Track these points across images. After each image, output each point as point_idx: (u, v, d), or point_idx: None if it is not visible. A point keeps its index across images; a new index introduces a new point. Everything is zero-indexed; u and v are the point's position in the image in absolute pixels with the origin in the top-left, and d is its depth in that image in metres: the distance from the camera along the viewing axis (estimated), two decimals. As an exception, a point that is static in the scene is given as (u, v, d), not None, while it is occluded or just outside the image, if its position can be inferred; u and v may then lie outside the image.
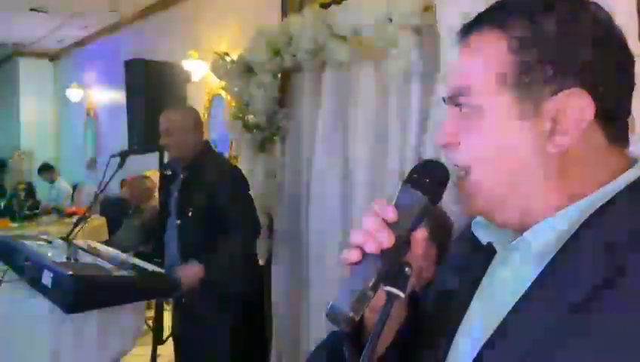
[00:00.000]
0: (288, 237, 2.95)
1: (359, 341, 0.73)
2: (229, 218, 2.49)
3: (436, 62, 2.10)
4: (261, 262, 3.09)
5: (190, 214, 2.57)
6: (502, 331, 0.63)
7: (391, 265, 0.63)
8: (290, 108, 2.88)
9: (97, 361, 1.95)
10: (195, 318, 2.61)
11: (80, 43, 8.63)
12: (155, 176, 4.62)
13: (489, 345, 0.64)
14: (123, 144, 3.86)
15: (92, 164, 8.22)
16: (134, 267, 1.94)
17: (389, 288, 0.63)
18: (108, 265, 1.90)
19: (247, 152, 3.06)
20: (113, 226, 5.02)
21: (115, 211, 5.21)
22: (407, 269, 0.64)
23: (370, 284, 0.62)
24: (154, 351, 3.61)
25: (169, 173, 2.82)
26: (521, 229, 0.67)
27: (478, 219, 0.73)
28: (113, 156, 2.78)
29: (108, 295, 1.67)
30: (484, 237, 0.73)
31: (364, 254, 0.64)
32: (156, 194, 4.67)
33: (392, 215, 0.66)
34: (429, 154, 2.12)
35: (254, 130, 3.00)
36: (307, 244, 2.81)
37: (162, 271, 1.91)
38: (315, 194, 2.71)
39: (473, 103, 0.67)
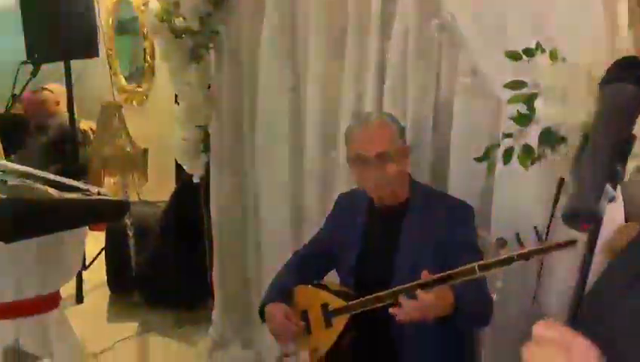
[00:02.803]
0: (228, 154, 2.76)
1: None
2: None
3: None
4: (196, 180, 2.91)
5: None
6: None
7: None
8: (228, 10, 2.59)
9: (36, 292, 1.74)
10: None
11: None
12: (57, 88, 4.13)
13: None
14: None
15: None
16: (74, 188, 1.70)
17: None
18: (43, 187, 1.65)
19: (175, 61, 2.76)
20: (12, 147, 4.49)
21: (13, 130, 4.63)
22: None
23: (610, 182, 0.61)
24: (79, 277, 3.40)
25: None
26: None
27: None
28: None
29: (52, 220, 1.44)
30: None
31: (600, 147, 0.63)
32: (60, 108, 4.22)
33: None
34: (393, 60, 2.00)
35: (184, 35, 2.70)
36: (252, 162, 2.65)
37: (107, 192, 1.68)
38: (261, 109, 2.52)
39: None
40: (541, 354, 0.53)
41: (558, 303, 1.68)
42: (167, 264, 3.13)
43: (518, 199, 1.72)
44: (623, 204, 1.57)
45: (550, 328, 0.53)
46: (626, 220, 1.58)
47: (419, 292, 1.29)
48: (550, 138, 1.52)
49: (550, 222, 1.72)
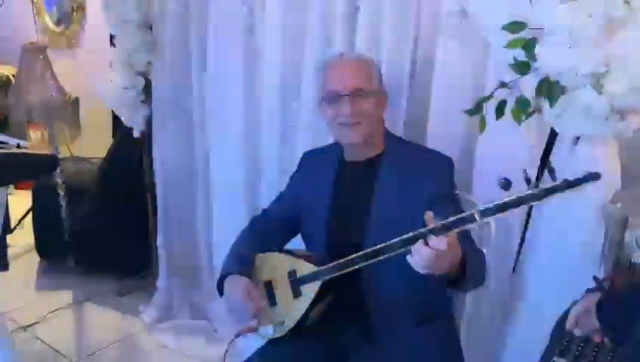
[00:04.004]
0: (173, 105, 2.46)
1: None
2: None
3: None
4: (136, 134, 2.60)
5: None
6: None
7: None
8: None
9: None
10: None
11: None
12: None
13: None
14: None
15: None
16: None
17: None
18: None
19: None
20: None
21: None
22: None
23: None
24: (3, 241, 3.05)
25: None
26: None
27: None
28: None
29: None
30: None
31: None
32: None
33: None
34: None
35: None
36: (201, 113, 2.37)
37: (27, 144, 1.40)
38: (211, 53, 2.23)
39: None
40: None
41: (537, 278, 1.57)
42: (105, 226, 2.83)
43: (503, 157, 1.56)
44: (619, 166, 1.44)
45: None
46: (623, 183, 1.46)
47: (432, 238, 1.08)
48: (550, 89, 1.36)
49: (538, 182, 1.58)
